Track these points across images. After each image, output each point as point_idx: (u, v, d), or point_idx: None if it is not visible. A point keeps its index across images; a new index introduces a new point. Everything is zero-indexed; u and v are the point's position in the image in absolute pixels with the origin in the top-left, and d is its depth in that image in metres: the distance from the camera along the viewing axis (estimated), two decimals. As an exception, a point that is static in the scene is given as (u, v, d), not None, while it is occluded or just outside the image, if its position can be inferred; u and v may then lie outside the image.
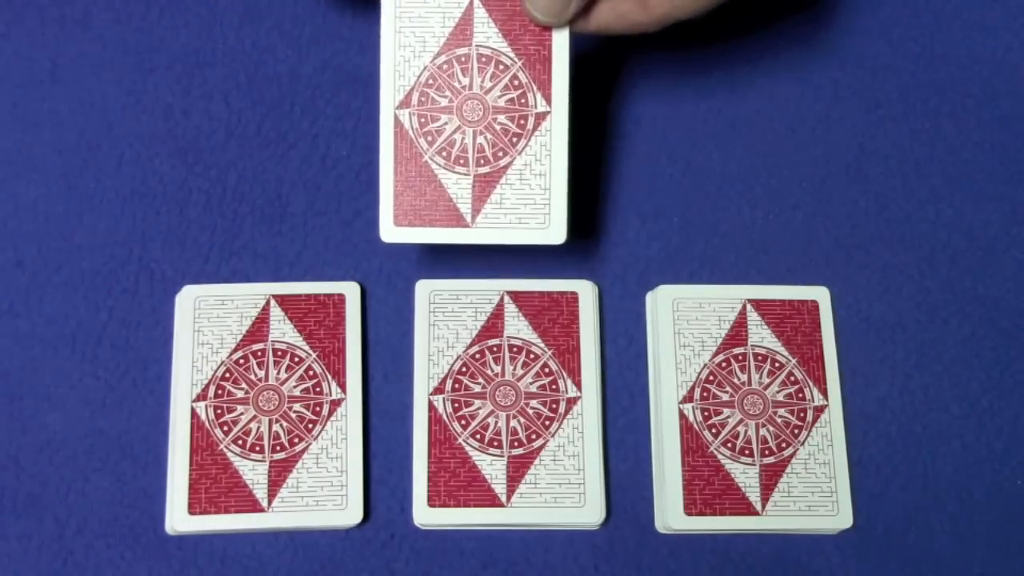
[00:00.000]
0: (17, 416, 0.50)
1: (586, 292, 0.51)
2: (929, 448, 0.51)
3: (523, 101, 0.47)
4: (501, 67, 0.47)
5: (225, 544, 0.49)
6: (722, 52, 0.55)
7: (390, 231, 0.46)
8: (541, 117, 0.47)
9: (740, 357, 0.50)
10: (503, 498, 0.48)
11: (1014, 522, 0.50)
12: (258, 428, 0.49)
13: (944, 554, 0.50)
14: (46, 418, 0.50)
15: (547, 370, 0.50)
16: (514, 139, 0.47)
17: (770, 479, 0.49)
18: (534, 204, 0.47)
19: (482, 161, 0.47)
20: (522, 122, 0.47)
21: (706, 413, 0.50)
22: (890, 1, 0.56)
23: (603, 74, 0.55)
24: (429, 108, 0.47)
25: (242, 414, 0.49)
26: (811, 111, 0.55)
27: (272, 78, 0.54)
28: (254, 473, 0.48)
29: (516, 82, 0.47)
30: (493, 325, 0.50)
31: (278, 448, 0.49)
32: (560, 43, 0.47)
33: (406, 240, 0.47)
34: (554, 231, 0.47)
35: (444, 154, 0.47)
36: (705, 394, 0.50)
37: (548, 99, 0.47)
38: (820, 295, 0.52)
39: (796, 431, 0.50)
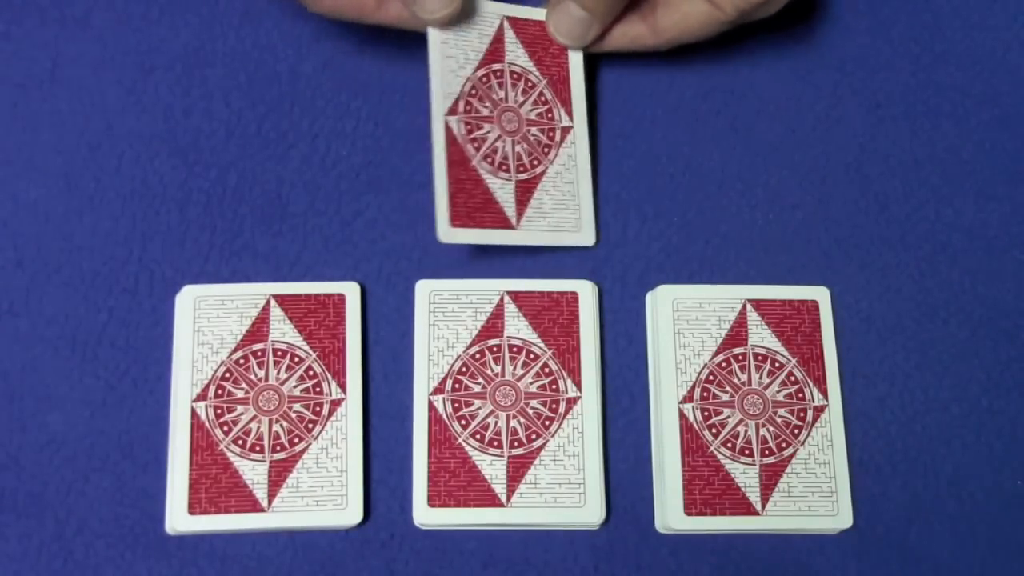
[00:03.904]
0: (17, 416, 0.50)
1: (586, 292, 0.51)
2: (929, 448, 0.51)
3: (550, 116, 0.51)
4: (530, 84, 0.51)
5: (225, 544, 0.49)
6: (722, 52, 0.55)
7: (447, 232, 0.48)
8: (566, 131, 0.51)
9: (740, 357, 0.50)
10: (503, 498, 0.48)
11: (1014, 522, 0.50)
12: (258, 428, 0.49)
13: (944, 554, 0.50)
14: (46, 418, 0.50)
15: (547, 370, 0.50)
16: (545, 149, 0.51)
17: (770, 479, 0.49)
18: (567, 209, 0.51)
19: (521, 168, 0.50)
20: (551, 135, 0.51)
21: (706, 413, 0.50)
22: (890, 1, 0.56)
23: (603, 75, 0.55)
24: (474, 116, 0.49)
25: (242, 414, 0.49)
26: (811, 111, 0.55)
27: (272, 78, 0.54)
28: (254, 473, 0.48)
29: (543, 98, 0.51)
30: (493, 325, 0.50)
31: (278, 448, 0.49)
32: (576, 66, 0.51)
33: (461, 241, 0.49)
34: (585, 234, 0.51)
35: (489, 160, 0.49)
36: (705, 394, 0.50)
37: (570, 115, 0.51)
38: (820, 295, 0.52)
39: (796, 431, 0.50)
